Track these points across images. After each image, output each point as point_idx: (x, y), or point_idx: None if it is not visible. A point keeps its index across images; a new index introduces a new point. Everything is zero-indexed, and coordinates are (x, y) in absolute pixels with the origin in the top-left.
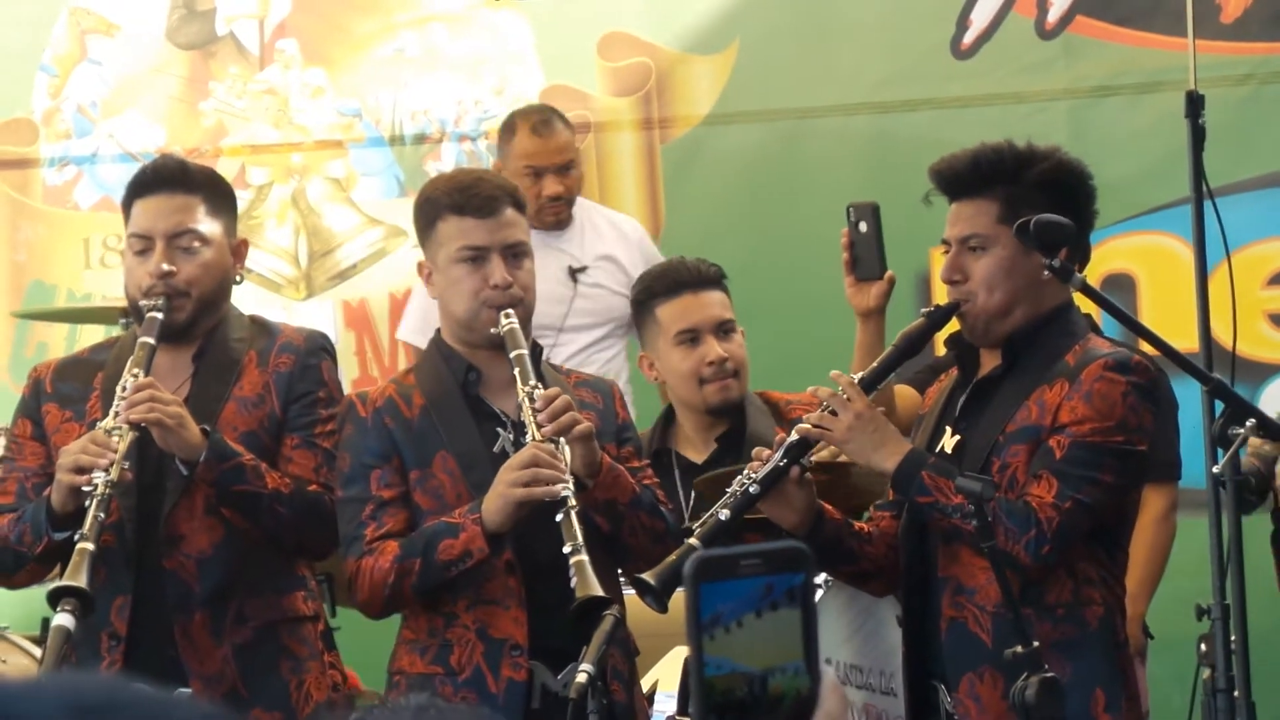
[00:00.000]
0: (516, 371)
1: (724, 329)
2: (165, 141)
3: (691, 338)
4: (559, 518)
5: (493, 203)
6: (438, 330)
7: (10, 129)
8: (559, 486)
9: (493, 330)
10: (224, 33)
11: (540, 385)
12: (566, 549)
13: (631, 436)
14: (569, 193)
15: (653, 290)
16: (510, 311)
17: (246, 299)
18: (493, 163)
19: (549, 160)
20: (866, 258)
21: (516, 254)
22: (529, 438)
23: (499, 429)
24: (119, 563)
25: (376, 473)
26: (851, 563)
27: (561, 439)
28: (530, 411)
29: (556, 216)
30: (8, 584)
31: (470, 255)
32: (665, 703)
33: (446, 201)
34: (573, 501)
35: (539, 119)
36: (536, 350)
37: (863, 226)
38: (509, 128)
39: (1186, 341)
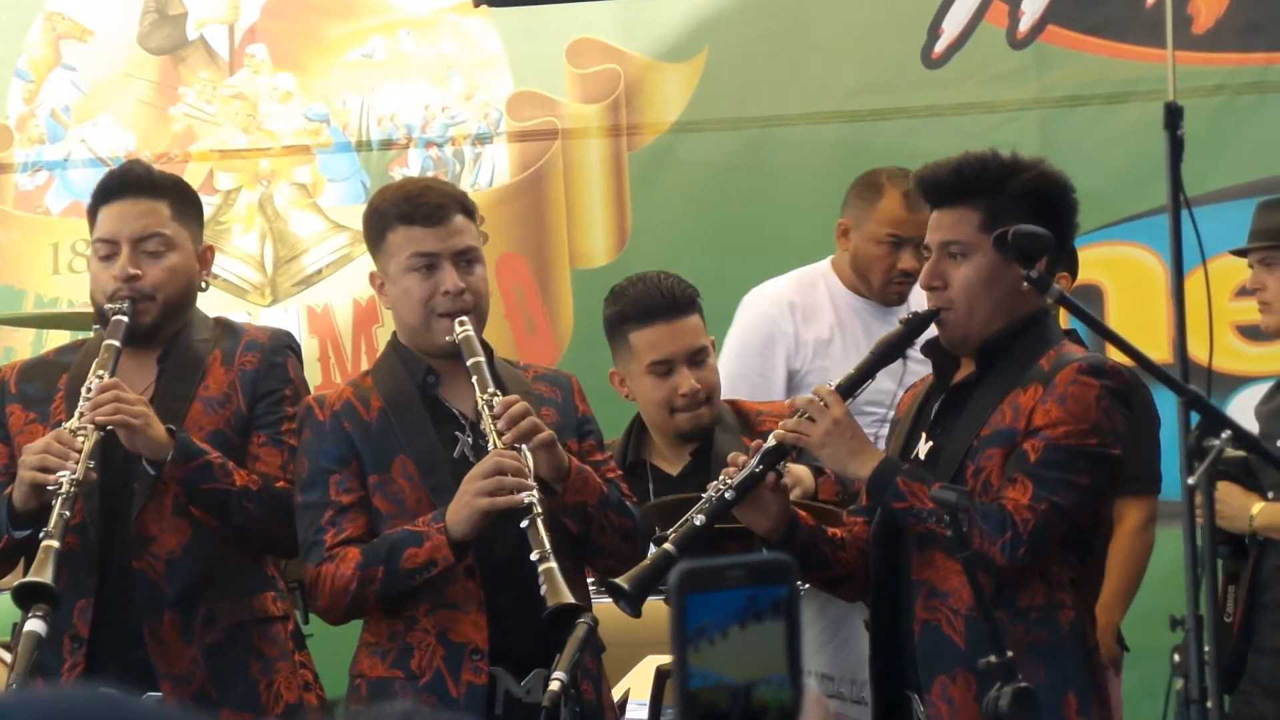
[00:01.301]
0: (474, 380)
1: (697, 358)
2: (135, 146)
3: (665, 370)
4: (524, 524)
5: (441, 210)
6: (394, 333)
7: None
8: (523, 494)
9: (447, 339)
10: (194, 37)
11: (499, 392)
12: (534, 556)
13: (592, 429)
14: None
15: (625, 314)
16: (464, 319)
17: (212, 305)
18: (839, 221)
19: (915, 232)
20: None
21: (468, 260)
22: (490, 446)
23: (458, 432)
24: (81, 565)
25: (335, 477)
26: (824, 569)
27: (523, 445)
28: (490, 419)
29: (900, 292)
30: None
31: (421, 264)
32: (637, 712)
33: (395, 211)
34: (538, 509)
35: (911, 186)
36: (489, 352)
37: None
38: (873, 186)
39: (1157, 353)
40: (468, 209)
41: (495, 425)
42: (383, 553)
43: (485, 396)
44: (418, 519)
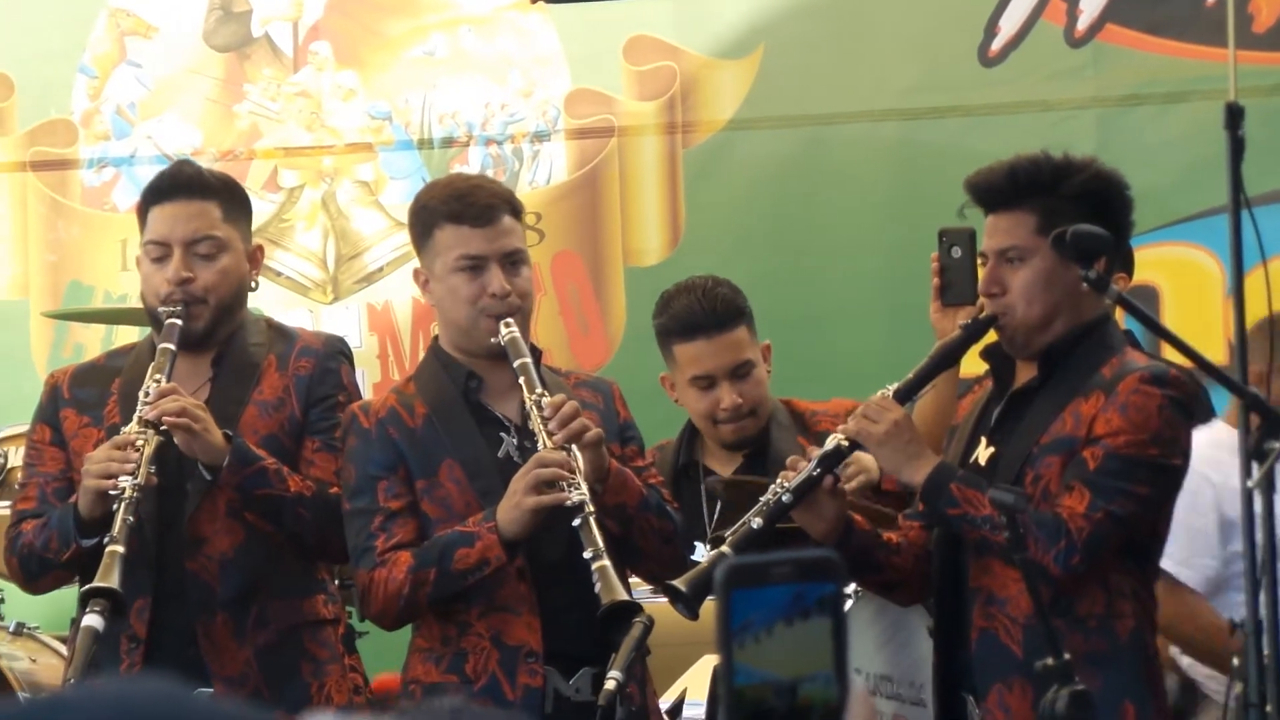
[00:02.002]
0: (522, 380)
1: (740, 371)
2: (201, 144)
3: (707, 384)
4: (576, 523)
5: (490, 211)
6: (435, 338)
7: (50, 130)
8: (574, 493)
9: (493, 340)
10: (259, 35)
11: (546, 392)
12: (587, 554)
13: (634, 435)
14: None
15: (669, 329)
16: (510, 320)
17: (274, 302)
18: None
19: None
20: (958, 283)
21: (514, 261)
22: (540, 446)
23: (502, 434)
24: (138, 565)
25: (383, 483)
26: (878, 573)
27: (573, 445)
28: (540, 420)
29: None
30: (31, 589)
31: (468, 264)
32: (694, 711)
33: (444, 210)
34: (590, 507)
35: None
36: (536, 355)
37: (955, 252)
38: None
39: (1212, 355)
40: (515, 209)
41: (545, 426)
42: (434, 555)
43: (534, 397)
44: (468, 520)
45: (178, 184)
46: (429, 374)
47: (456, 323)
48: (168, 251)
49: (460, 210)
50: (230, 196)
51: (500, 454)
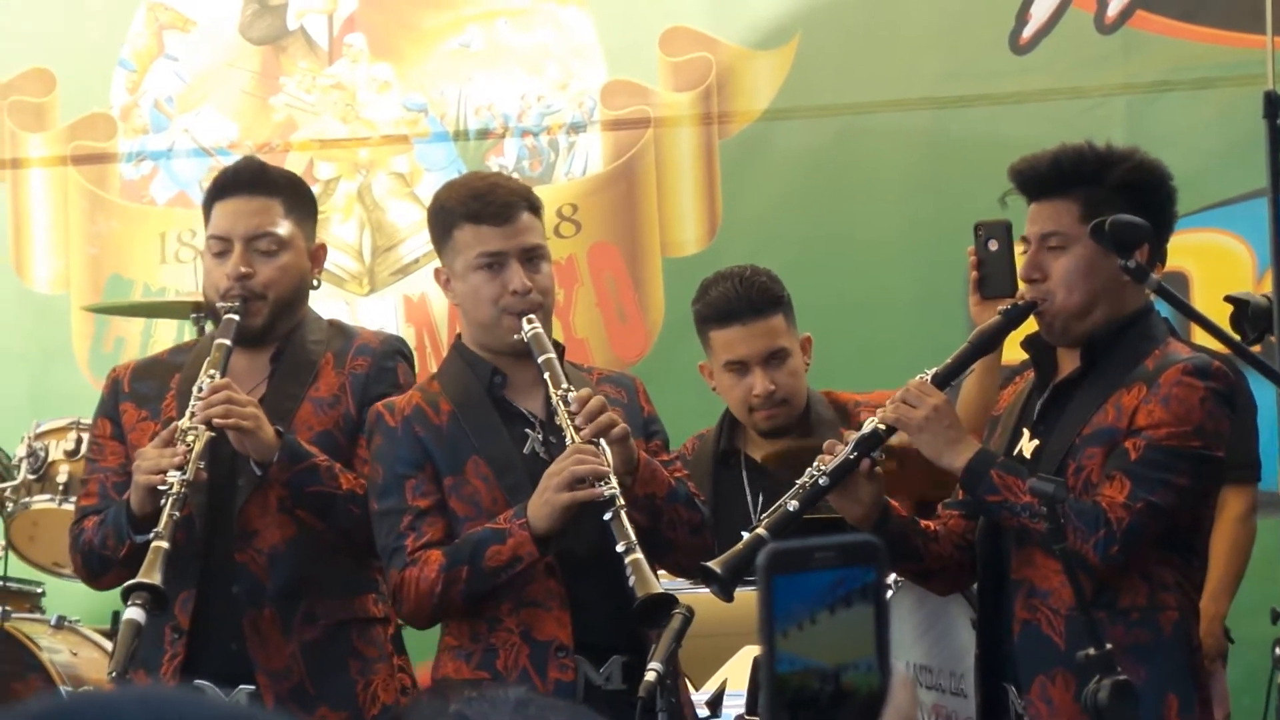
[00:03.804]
0: (546, 376)
1: (774, 358)
2: (238, 136)
3: (741, 370)
4: (607, 517)
5: (509, 208)
6: (458, 335)
7: (89, 124)
8: (605, 487)
9: (515, 337)
10: (294, 27)
11: (571, 387)
12: (620, 548)
13: (658, 429)
14: None
15: (704, 314)
16: (532, 316)
17: (310, 294)
18: None
19: None
20: (996, 276)
21: (534, 258)
22: (567, 441)
23: (527, 430)
24: (186, 557)
25: (411, 482)
26: (916, 560)
27: (601, 439)
28: (566, 415)
29: None
30: (96, 585)
31: (488, 262)
32: (735, 702)
33: (462, 209)
34: (620, 501)
35: None
36: (559, 350)
37: (992, 245)
38: None
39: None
40: (534, 206)
41: (573, 421)
42: (466, 552)
43: (560, 392)
44: (498, 517)
45: (241, 180)
46: (453, 371)
47: (479, 321)
48: (229, 247)
49: (479, 209)
50: (294, 194)
51: (526, 450)
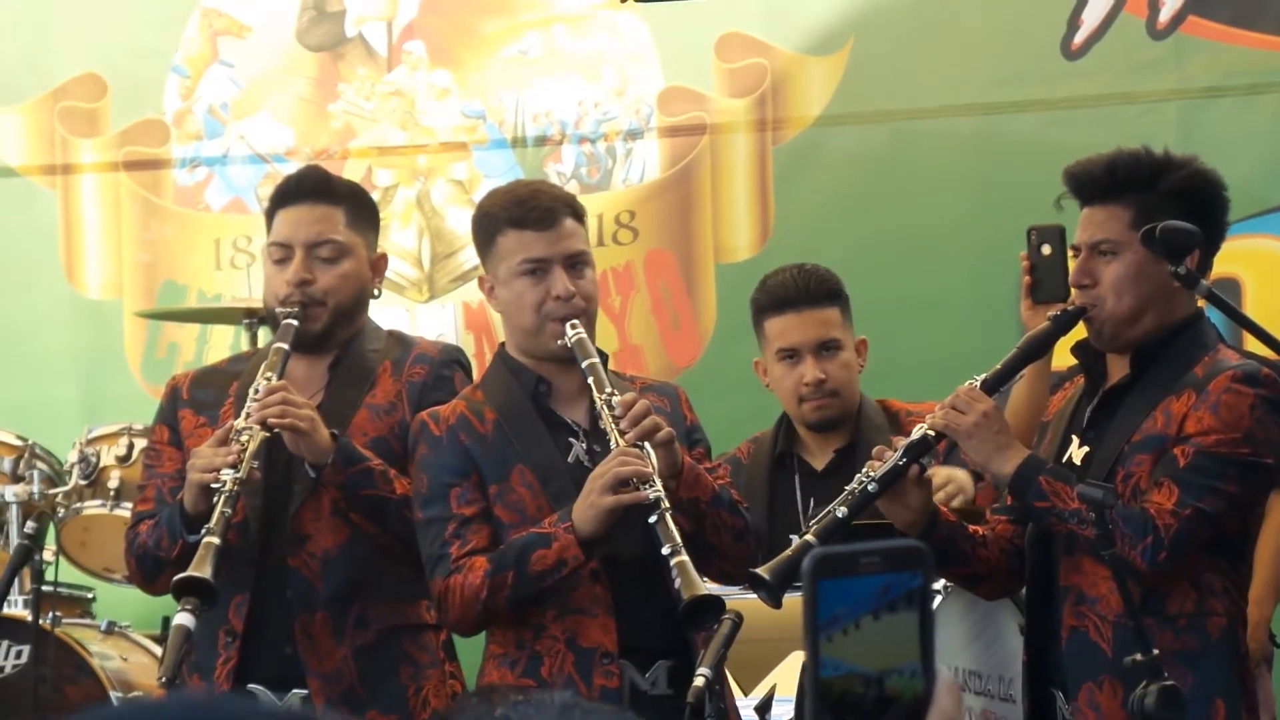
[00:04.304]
0: (591, 381)
1: (826, 348)
2: (294, 143)
3: (791, 355)
4: (652, 520)
5: (552, 214)
6: (502, 344)
7: (142, 129)
8: (649, 490)
9: (559, 342)
10: (353, 34)
11: (615, 392)
12: (665, 550)
13: (701, 438)
14: None
15: (761, 304)
16: (576, 322)
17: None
18: None
19: None
20: (1049, 281)
21: (577, 264)
22: (611, 445)
23: (571, 439)
24: (241, 561)
25: (456, 490)
26: (964, 565)
27: (645, 443)
28: (611, 419)
29: None
30: (150, 590)
31: (531, 268)
32: (783, 707)
33: (505, 215)
34: (665, 504)
35: None
36: (602, 358)
37: (1045, 249)
38: None
39: None
40: (577, 212)
41: (617, 425)
42: (511, 558)
43: (604, 396)
44: (543, 521)
45: (303, 188)
46: (497, 380)
47: (522, 327)
48: (289, 253)
49: (522, 215)
50: (356, 203)
51: (570, 459)
